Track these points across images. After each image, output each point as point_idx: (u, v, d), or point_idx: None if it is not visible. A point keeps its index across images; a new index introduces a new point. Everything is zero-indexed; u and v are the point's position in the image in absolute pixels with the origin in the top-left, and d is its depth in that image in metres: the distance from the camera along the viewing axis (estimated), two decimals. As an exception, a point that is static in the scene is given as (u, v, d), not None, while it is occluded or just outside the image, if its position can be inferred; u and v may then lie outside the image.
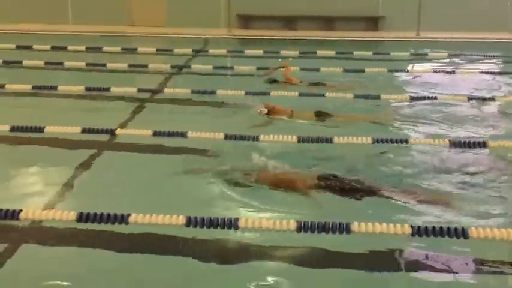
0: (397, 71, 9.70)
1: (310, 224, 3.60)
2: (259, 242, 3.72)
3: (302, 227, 3.60)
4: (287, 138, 5.48)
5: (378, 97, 7.32)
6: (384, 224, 3.58)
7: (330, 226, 3.59)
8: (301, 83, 8.10)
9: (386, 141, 5.43)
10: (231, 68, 9.85)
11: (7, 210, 3.80)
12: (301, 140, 5.45)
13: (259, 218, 3.72)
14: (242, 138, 5.54)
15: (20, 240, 3.74)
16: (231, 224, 3.67)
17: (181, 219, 3.70)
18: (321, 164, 4.81)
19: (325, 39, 13.79)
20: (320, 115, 6.34)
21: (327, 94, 7.47)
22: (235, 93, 7.61)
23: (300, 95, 7.45)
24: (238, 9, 15.69)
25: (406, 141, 5.48)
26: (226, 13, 15.48)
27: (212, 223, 3.69)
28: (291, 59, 10.51)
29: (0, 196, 4.38)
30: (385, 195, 4.18)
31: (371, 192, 4.22)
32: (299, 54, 11.34)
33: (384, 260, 3.56)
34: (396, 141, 5.46)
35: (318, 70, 9.33)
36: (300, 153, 5.17)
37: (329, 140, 5.44)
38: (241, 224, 3.65)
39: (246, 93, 7.58)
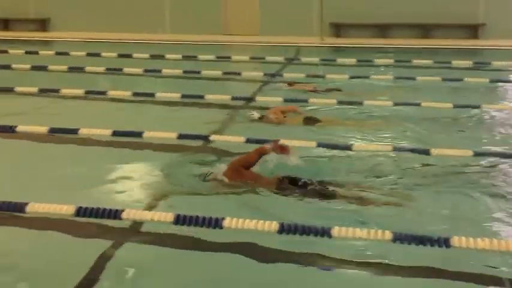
0: (499, 81, 9.30)
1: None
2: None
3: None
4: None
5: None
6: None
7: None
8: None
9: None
10: (323, 76, 9.81)
11: (110, 210, 3.98)
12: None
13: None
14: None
15: (123, 238, 3.90)
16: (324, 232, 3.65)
17: (274, 226, 3.72)
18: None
19: (421, 48, 13.44)
20: (309, 120, 6.63)
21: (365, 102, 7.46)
22: (327, 102, 7.58)
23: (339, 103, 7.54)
24: (331, 18, 15.64)
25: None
26: (318, 21, 15.48)
27: (305, 231, 3.68)
28: (382, 68, 10.36)
29: (102, 196, 4.58)
30: (343, 197, 4.35)
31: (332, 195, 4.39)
32: (393, 62, 11.13)
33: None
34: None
35: (414, 79, 9.14)
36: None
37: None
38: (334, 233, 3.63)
39: (338, 102, 7.55)
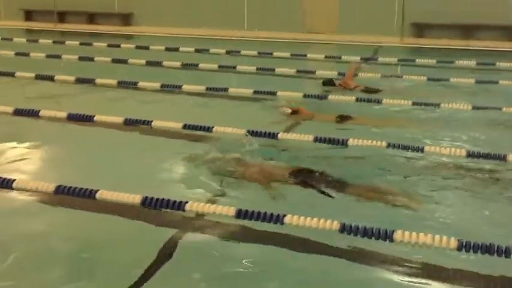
0: None
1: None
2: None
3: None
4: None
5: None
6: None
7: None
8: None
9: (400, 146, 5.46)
10: (400, 77, 9.57)
11: (174, 201, 4.07)
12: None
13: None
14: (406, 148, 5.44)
15: (186, 229, 3.96)
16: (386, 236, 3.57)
17: (336, 225, 3.68)
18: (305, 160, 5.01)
19: (507, 51, 12.86)
20: (341, 118, 6.66)
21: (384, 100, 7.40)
22: (402, 103, 7.39)
23: (357, 100, 7.52)
24: (412, 17, 15.23)
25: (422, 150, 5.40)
26: (400, 21, 15.11)
27: (366, 232, 3.61)
28: (464, 70, 9.98)
29: (168, 188, 4.67)
30: (351, 192, 4.39)
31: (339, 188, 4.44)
32: (476, 65, 10.70)
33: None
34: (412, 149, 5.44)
35: (496, 83, 8.76)
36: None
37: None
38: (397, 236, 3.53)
39: (414, 103, 7.36)
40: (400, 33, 15.02)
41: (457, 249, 3.40)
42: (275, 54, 11.85)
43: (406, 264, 3.46)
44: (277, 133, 5.92)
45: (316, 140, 5.75)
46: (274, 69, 9.95)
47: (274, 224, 3.81)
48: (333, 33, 15.79)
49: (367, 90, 8.22)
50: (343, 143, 5.65)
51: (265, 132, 5.90)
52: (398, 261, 3.49)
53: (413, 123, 6.70)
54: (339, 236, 3.66)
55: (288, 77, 9.64)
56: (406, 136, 6.04)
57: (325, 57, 11.88)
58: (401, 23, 15.01)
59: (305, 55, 12.08)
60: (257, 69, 10.04)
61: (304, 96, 7.84)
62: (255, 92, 7.97)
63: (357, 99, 7.62)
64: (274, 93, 7.90)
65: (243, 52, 12.19)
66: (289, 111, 6.85)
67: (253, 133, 5.80)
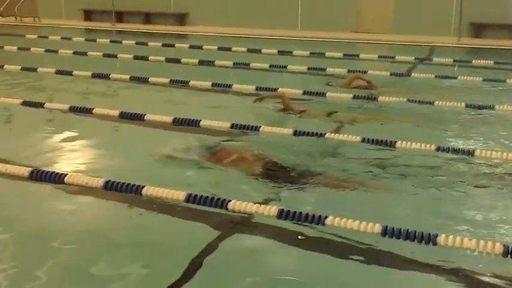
0: None
1: None
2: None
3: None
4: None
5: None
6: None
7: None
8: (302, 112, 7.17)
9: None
10: (455, 77, 9.35)
11: (218, 199, 4.11)
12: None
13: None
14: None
15: (232, 229, 3.98)
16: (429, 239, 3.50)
17: (378, 228, 3.64)
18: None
19: None
20: (331, 114, 6.80)
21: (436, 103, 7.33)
22: (454, 105, 7.23)
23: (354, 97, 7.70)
24: (471, 17, 14.84)
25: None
26: (457, 21, 14.75)
27: (409, 236, 3.55)
28: None
29: (210, 186, 4.72)
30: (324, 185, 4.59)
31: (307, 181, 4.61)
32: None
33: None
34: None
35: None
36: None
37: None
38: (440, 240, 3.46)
39: (467, 106, 7.18)
40: (457, 33, 14.66)
41: (502, 254, 3.30)
42: (327, 54, 11.79)
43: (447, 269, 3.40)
44: (324, 133, 5.89)
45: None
46: (325, 69, 9.90)
47: (316, 225, 3.80)
48: (387, 33, 15.59)
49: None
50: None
51: (313, 132, 5.88)
52: (439, 266, 3.43)
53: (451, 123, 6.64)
54: (380, 239, 3.62)
55: (339, 78, 9.56)
56: (418, 134, 6.10)
57: (379, 57, 11.74)
58: (458, 23, 14.64)
59: (358, 55, 11.97)
60: (308, 68, 10.02)
61: (354, 97, 7.76)
62: (305, 93, 7.96)
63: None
64: (323, 94, 7.87)
65: (295, 52, 12.19)
66: (282, 106, 7.00)
67: (300, 133, 5.81)
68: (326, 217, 3.79)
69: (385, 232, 3.60)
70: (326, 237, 3.77)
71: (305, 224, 3.83)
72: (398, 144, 5.53)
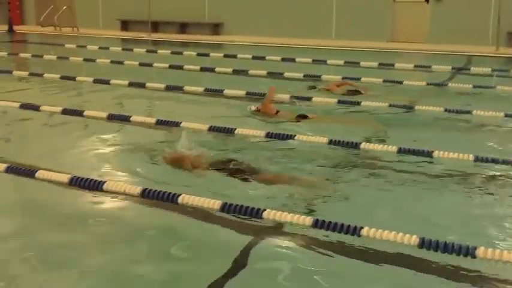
0: None
1: None
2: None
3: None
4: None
5: None
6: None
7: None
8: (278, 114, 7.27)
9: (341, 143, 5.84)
10: (493, 87, 9.19)
11: (252, 208, 4.12)
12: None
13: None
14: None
15: (263, 235, 3.98)
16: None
17: (415, 240, 3.59)
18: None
19: None
20: (300, 117, 7.02)
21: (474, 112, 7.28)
22: (493, 115, 7.10)
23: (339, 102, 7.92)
24: (509, 27, 14.60)
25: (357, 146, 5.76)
26: (495, 30, 14.51)
27: (447, 249, 3.50)
28: None
29: (249, 194, 4.73)
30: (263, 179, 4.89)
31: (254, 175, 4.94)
32: None
33: None
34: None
35: None
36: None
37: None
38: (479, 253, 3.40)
39: (506, 115, 7.06)
40: (495, 42, 14.43)
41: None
42: (362, 63, 11.73)
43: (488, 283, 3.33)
44: (359, 143, 5.85)
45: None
46: (360, 79, 9.85)
47: (351, 235, 3.77)
48: (423, 42, 15.44)
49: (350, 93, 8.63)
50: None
51: (347, 141, 5.86)
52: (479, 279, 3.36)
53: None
54: (417, 250, 3.57)
55: (372, 87, 9.50)
56: (455, 143, 6.13)
57: (415, 66, 11.63)
58: (496, 33, 14.41)
59: (393, 64, 11.87)
60: (342, 78, 9.98)
61: (390, 105, 7.69)
62: (339, 102, 7.93)
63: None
64: (358, 103, 7.82)
65: (329, 61, 12.17)
66: (254, 108, 7.31)
67: (335, 142, 5.81)
68: (362, 228, 3.76)
69: (422, 244, 3.55)
70: (360, 248, 3.75)
71: (340, 234, 3.81)
72: (435, 154, 5.46)
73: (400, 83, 9.64)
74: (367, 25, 15.96)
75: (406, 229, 3.70)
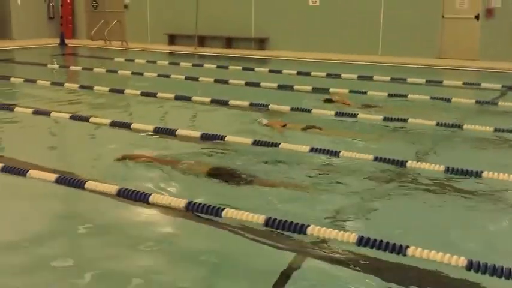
0: None
1: None
2: None
3: None
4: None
5: None
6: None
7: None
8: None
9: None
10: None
11: (296, 224, 4.11)
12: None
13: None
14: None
15: (306, 254, 3.96)
16: None
17: (462, 261, 3.51)
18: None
19: None
20: (308, 128, 7.31)
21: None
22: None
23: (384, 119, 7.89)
24: None
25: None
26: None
27: (496, 271, 3.40)
28: None
29: (296, 211, 4.72)
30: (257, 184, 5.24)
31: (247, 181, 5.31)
32: None
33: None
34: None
35: None
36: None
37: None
38: None
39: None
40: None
41: None
42: (409, 80, 11.60)
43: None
44: (406, 161, 5.77)
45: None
46: (407, 96, 9.74)
47: (396, 255, 3.71)
48: (472, 59, 15.15)
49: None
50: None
51: (392, 159, 5.78)
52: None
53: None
54: (465, 273, 3.48)
55: (421, 104, 9.37)
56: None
57: (463, 84, 11.42)
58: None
59: (441, 81, 11.69)
60: (388, 95, 9.88)
61: (437, 124, 7.56)
62: (385, 119, 7.84)
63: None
64: (405, 120, 7.72)
65: (375, 78, 12.07)
66: (265, 121, 7.63)
67: (380, 159, 5.75)
68: (408, 247, 3.70)
69: (470, 266, 3.46)
70: (405, 266, 3.68)
71: (385, 252, 3.76)
72: (484, 174, 5.33)
73: (448, 100, 9.47)
74: (415, 41, 15.78)
75: (453, 250, 3.63)
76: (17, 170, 5.41)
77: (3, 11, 20.73)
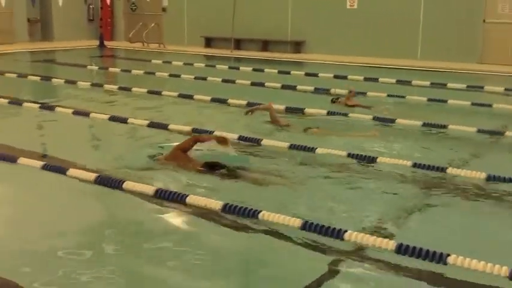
0: None
1: None
2: None
3: None
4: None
5: None
6: None
7: None
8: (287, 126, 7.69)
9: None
10: None
11: (333, 228, 4.06)
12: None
13: None
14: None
15: (342, 261, 3.89)
16: None
17: (505, 271, 3.41)
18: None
19: None
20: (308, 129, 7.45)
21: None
22: None
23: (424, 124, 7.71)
24: None
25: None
26: None
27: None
28: None
29: (334, 216, 4.67)
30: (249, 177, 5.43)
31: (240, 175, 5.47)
32: None
33: None
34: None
35: None
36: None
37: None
38: None
39: None
40: None
41: None
42: (449, 85, 11.39)
43: None
44: (446, 168, 5.65)
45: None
46: (446, 101, 9.56)
47: (436, 263, 3.63)
48: (515, 65, 14.80)
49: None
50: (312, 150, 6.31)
51: (432, 166, 5.68)
52: None
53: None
54: (507, 282, 3.39)
55: (460, 110, 9.19)
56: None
57: (505, 90, 11.15)
58: None
59: (482, 87, 11.46)
60: (428, 100, 9.72)
61: (478, 131, 7.39)
62: (424, 125, 7.71)
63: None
64: (445, 126, 7.57)
65: (414, 82, 11.90)
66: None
67: (419, 166, 5.65)
68: (448, 255, 3.61)
69: (513, 276, 3.37)
70: (445, 275, 3.60)
71: (424, 260, 3.68)
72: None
73: (490, 106, 9.26)
74: (455, 46, 15.50)
75: (494, 259, 3.53)
76: (58, 168, 5.50)
77: (45, 13, 21.20)
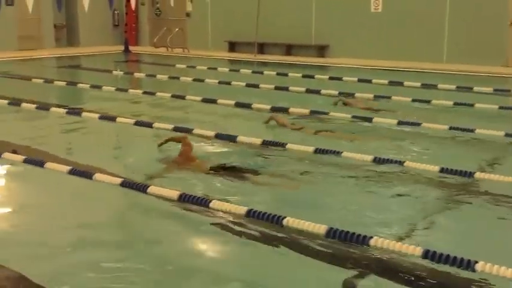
0: None
1: None
2: None
3: None
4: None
5: None
6: None
7: None
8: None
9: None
10: None
11: (358, 235, 4.02)
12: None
13: None
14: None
15: (369, 269, 3.84)
16: None
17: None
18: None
19: None
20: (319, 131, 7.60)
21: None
22: None
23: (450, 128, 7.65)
24: None
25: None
26: None
27: None
28: None
29: (352, 219, 4.64)
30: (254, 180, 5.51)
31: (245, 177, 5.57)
32: None
33: None
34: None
35: None
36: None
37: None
38: None
39: None
40: None
41: None
42: (475, 89, 11.23)
43: None
44: (474, 172, 5.57)
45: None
46: (473, 105, 9.43)
47: (465, 269, 3.57)
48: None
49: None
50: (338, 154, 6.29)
51: (459, 170, 5.60)
52: None
53: None
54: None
55: (487, 114, 9.06)
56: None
57: (532, 93, 10.98)
58: None
59: (509, 90, 11.29)
60: (454, 104, 9.60)
61: (506, 135, 7.27)
62: (451, 128, 7.61)
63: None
64: (472, 131, 7.46)
65: (440, 86, 11.77)
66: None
67: (447, 171, 5.57)
68: (476, 262, 3.55)
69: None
70: (473, 282, 3.54)
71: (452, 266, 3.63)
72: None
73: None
74: (481, 49, 15.28)
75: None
76: (84, 173, 5.56)
77: (71, 18, 21.50)
